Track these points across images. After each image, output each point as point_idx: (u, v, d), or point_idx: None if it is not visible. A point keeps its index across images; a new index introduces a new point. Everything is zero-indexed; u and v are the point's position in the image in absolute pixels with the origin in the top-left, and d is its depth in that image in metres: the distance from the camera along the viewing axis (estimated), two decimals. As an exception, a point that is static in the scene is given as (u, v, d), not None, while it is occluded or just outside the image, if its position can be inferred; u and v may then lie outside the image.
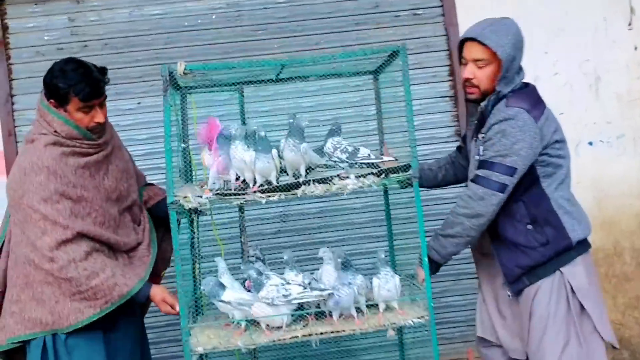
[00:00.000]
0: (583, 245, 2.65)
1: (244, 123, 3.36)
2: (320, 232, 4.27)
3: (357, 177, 2.75)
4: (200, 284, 3.11)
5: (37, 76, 3.65)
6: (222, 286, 2.82)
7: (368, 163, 2.81)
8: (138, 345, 2.91)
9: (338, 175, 2.76)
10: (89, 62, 2.72)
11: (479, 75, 2.63)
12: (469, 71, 2.65)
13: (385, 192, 3.27)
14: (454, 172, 3.09)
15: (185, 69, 2.67)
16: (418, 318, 2.75)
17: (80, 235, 2.58)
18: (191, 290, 3.08)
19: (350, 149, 2.83)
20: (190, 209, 2.67)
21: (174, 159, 3.08)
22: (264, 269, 2.93)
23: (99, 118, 2.68)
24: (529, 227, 2.61)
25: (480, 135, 2.69)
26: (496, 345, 2.83)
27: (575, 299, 2.58)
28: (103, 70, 2.72)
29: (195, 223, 3.12)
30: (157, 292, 2.82)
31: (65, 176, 2.59)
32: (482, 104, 2.66)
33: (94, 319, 2.59)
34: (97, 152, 2.73)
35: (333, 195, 2.80)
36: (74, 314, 2.56)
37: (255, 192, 2.68)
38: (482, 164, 2.64)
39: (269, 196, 2.68)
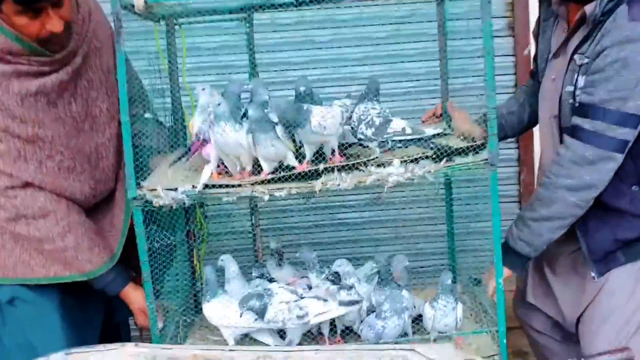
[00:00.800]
0: None
1: (253, 63, 2.43)
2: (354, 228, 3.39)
3: (404, 161, 1.84)
4: (200, 279, 2.39)
5: None
6: (218, 287, 2.07)
7: (404, 140, 1.88)
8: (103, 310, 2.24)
9: (375, 159, 1.86)
10: None
11: None
12: None
13: (448, 184, 2.33)
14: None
15: (147, 1, 1.74)
16: (485, 358, 1.95)
17: (35, 186, 1.88)
18: (186, 290, 2.35)
19: (378, 121, 1.88)
20: (163, 205, 1.83)
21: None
22: (271, 273, 2.14)
23: (54, 26, 1.76)
24: (635, 188, 1.89)
25: (578, 57, 1.84)
26: (541, 311, 2.23)
27: None
28: None
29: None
30: (137, 298, 2.04)
31: (8, 108, 1.81)
32: (587, 8, 1.80)
33: (44, 282, 1.96)
34: (58, 70, 1.87)
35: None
36: (22, 267, 1.95)
37: (255, 182, 1.83)
38: (588, 111, 1.79)
39: (275, 190, 1.82)
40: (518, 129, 2.28)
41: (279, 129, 1.80)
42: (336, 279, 2.14)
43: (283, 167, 1.88)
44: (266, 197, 1.81)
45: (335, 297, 2.00)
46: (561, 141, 1.93)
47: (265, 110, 1.82)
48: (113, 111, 2.03)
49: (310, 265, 2.23)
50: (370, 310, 2.08)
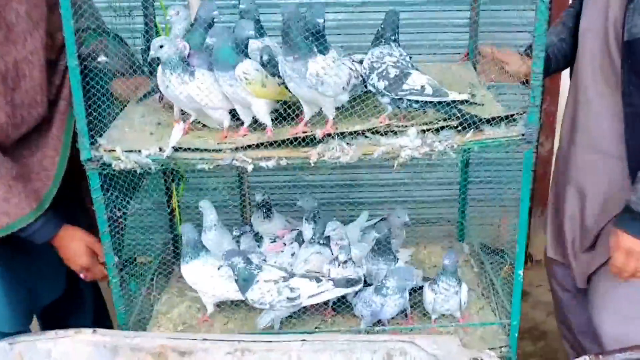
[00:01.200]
0: None
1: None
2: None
3: (422, 131, 1.49)
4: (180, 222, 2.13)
5: None
6: (199, 249, 1.81)
7: (421, 101, 1.50)
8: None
9: (387, 126, 1.49)
10: None
11: None
12: None
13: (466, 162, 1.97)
14: None
15: None
16: (493, 349, 1.72)
17: None
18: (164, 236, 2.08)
19: (393, 72, 1.49)
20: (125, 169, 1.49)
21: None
22: (254, 248, 1.85)
23: None
24: None
25: None
26: (564, 265, 1.97)
27: None
28: None
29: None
30: (75, 236, 1.69)
31: None
32: None
33: None
34: None
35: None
36: None
37: (237, 147, 1.48)
38: None
39: (261, 159, 1.48)
40: (570, 57, 1.86)
41: (242, 67, 1.44)
42: (327, 244, 1.88)
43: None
44: (249, 167, 1.47)
45: (329, 269, 1.74)
46: (625, 54, 1.55)
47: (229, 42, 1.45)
48: (36, 16, 1.59)
49: (308, 216, 1.95)
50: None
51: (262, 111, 1.52)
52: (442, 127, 1.47)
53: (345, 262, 1.72)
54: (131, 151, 1.46)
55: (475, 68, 1.94)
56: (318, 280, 1.68)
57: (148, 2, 1.84)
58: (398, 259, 1.83)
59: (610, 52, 1.62)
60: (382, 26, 1.57)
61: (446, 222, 2.31)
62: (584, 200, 1.79)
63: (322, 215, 1.98)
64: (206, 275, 1.79)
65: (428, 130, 1.47)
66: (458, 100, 1.45)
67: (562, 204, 1.86)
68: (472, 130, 1.46)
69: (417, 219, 2.23)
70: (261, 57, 1.56)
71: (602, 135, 1.70)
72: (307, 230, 1.96)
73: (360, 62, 1.68)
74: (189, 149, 1.48)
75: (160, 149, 1.46)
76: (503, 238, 1.93)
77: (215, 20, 1.61)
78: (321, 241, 1.87)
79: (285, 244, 1.97)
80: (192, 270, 1.81)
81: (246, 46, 1.58)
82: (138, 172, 1.49)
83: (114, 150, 1.46)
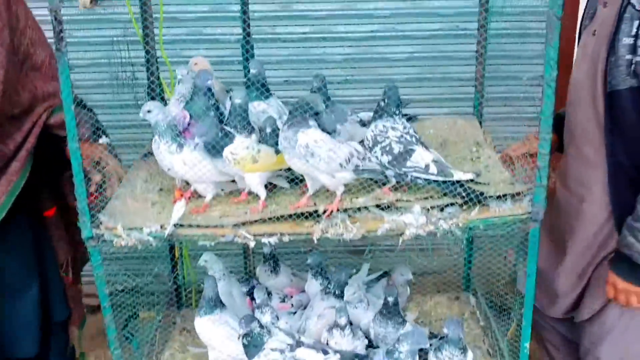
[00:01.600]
0: None
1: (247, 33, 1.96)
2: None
3: (425, 208, 1.47)
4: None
5: None
6: (214, 306, 1.77)
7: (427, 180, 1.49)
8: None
9: (390, 204, 1.48)
10: None
11: None
12: None
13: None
14: None
15: (93, -5, 1.28)
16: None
17: None
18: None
19: (397, 148, 1.49)
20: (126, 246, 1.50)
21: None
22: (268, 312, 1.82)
23: None
24: None
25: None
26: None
27: None
28: None
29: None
30: None
31: None
32: None
33: None
34: None
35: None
36: None
37: (238, 224, 1.47)
38: None
39: (262, 235, 1.48)
40: None
41: (230, 148, 1.47)
42: (340, 293, 1.87)
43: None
44: (252, 244, 1.47)
45: (327, 338, 1.73)
46: (607, 105, 1.61)
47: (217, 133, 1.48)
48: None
49: (315, 272, 1.94)
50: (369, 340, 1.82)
51: (254, 183, 1.53)
52: (447, 205, 1.46)
53: (344, 327, 1.71)
54: (132, 229, 1.46)
55: (481, 125, 1.93)
56: (325, 352, 1.67)
57: (151, 60, 1.84)
58: (407, 321, 1.81)
59: (596, 103, 1.65)
60: (384, 100, 1.56)
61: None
62: (575, 248, 1.79)
63: (327, 269, 1.98)
64: (218, 334, 1.77)
65: (432, 207, 1.46)
66: (466, 181, 1.44)
67: (559, 254, 1.85)
68: (478, 207, 1.45)
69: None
70: (264, 129, 1.56)
71: (591, 185, 1.72)
72: (313, 285, 1.95)
73: (363, 123, 1.67)
74: (191, 225, 1.48)
75: (162, 226, 1.46)
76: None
77: (210, 89, 1.60)
78: (337, 292, 1.86)
79: (292, 305, 1.96)
80: (205, 326, 1.79)
81: (245, 112, 1.57)
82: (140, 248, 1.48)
83: (115, 229, 1.46)
